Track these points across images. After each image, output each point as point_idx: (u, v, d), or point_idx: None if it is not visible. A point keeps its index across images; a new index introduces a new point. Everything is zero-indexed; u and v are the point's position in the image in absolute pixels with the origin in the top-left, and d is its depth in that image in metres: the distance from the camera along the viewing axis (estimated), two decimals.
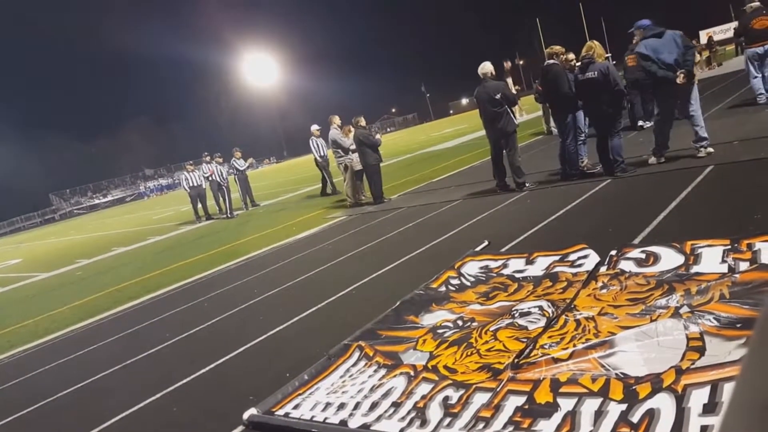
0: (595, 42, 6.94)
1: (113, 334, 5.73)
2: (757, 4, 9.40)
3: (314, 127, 13.38)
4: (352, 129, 10.14)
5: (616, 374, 2.43)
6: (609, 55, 9.94)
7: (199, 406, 3.48)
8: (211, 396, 3.58)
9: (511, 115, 7.70)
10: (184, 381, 3.91)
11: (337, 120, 10.57)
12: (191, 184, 14.92)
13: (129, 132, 76.56)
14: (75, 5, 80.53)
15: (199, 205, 15.32)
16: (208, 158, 15.08)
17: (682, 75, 6.41)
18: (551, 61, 7.38)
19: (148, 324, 5.82)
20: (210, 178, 14.76)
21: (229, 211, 14.63)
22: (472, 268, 4.55)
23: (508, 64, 16.39)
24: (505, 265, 4.42)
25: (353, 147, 10.04)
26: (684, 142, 6.98)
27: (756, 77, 9.54)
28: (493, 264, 4.53)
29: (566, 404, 2.32)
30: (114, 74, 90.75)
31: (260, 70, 78.38)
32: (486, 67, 7.84)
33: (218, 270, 7.85)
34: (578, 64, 7.20)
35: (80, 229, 28.97)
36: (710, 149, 6.63)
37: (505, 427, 2.29)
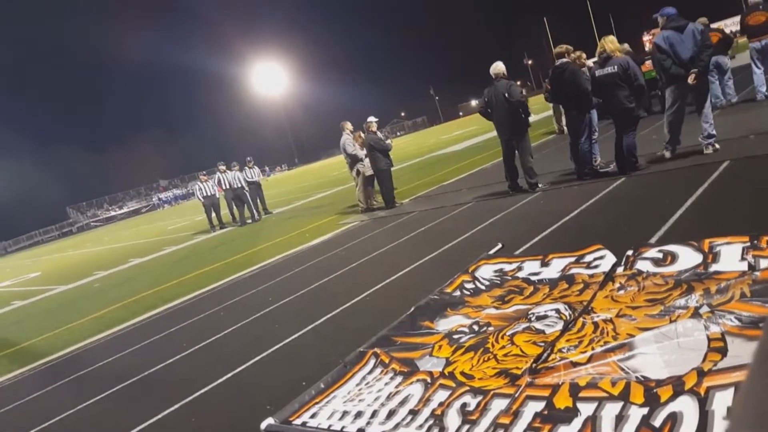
0: (609, 38, 6.84)
1: (131, 345, 5.78)
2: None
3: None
4: (362, 135, 10.16)
5: (637, 377, 2.39)
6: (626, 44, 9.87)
7: (217, 416, 3.49)
8: (229, 406, 3.59)
9: (523, 115, 7.65)
10: (202, 391, 3.92)
11: (349, 126, 10.55)
12: (205, 194, 15.05)
13: (142, 144, 77.58)
14: (87, 21, 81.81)
15: (214, 215, 15.45)
16: (223, 167, 15.11)
17: (693, 75, 6.33)
18: (564, 60, 7.32)
19: (166, 334, 5.86)
20: (226, 188, 14.89)
21: (251, 217, 15.03)
22: (486, 271, 4.52)
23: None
24: (519, 268, 4.38)
25: (357, 153, 10.04)
26: (691, 139, 6.91)
27: (756, 73, 9.47)
28: (507, 267, 4.49)
29: (586, 409, 2.29)
30: (127, 87, 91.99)
31: (270, 78, 78.95)
32: (498, 67, 7.80)
33: (233, 279, 7.88)
34: (594, 60, 7.14)
35: (97, 241, 29.33)
36: (717, 146, 6.58)
37: None
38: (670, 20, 6.63)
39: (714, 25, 10.56)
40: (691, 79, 6.36)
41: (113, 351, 5.75)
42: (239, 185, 14.74)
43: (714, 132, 6.61)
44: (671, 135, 6.88)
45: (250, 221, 14.95)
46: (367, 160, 10.02)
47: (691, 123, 6.99)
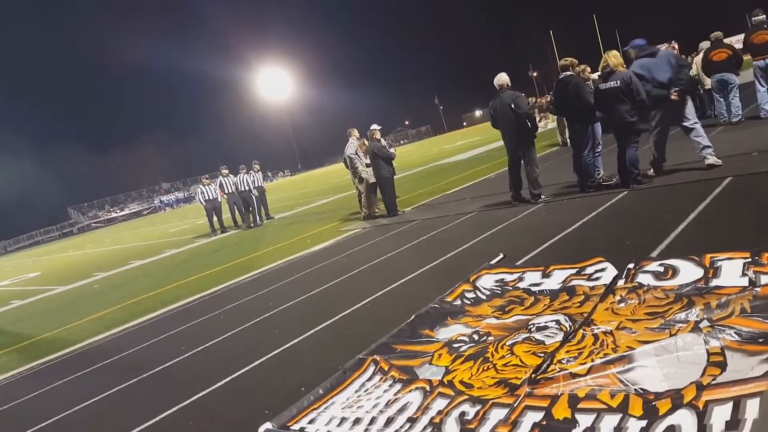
0: (612, 52, 6.93)
1: (130, 347, 5.78)
2: (762, 17, 9.39)
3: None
4: (365, 142, 10.19)
5: (636, 390, 2.40)
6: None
7: (215, 420, 3.49)
8: (227, 410, 3.59)
9: (529, 126, 7.67)
10: (201, 394, 3.92)
11: (356, 132, 10.56)
12: (207, 197, 15.10)
13: (145, 146, 77.69)
14: (92, 22, 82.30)
15: (215, 218, 15.48)
16: (225, 171, 15.23)
17: (675, 93, 6.58)
18: (568, 73, 7.36)
19: (165, 337, 5.86)
20: (229, 191, 14.99)
21: (254, 221, 15.13)
22: (487, 281, 4.53)
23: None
24: (521, 279, 4.39)
25: (354, 158, 10.07)
26: (692, 155, 6.96)
27: (760, 91, 9.52)
28: (508, 277, 4.50)
29: (585, 420, 2.29)
30: (130, 89, 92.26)
31: (274, 83, 79.32)
32: (502, 78, 7.85)
33: (234, 283, 7.89)
34: (598, 74, 7.21)
35: (98, 243, 29.35)
36: (717, 158, 6.67)
37: None
38: (642, 50, 7.02)
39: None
40: (674, 96, 6.58)
41: (112, 352, 5.75)
42: (246, 188, 14.84)
43: (708, 143, 6.76)
44: (658, 154, 7.06)
45: (252, 225, 15.03)
46: (370, 168, 10.05)
47: (683, 140, 7.07)
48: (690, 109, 6.86)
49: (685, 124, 6.81)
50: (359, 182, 10.43)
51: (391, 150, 9.85)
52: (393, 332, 3.92)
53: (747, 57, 10.03)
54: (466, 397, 2.74)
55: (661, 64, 6.72)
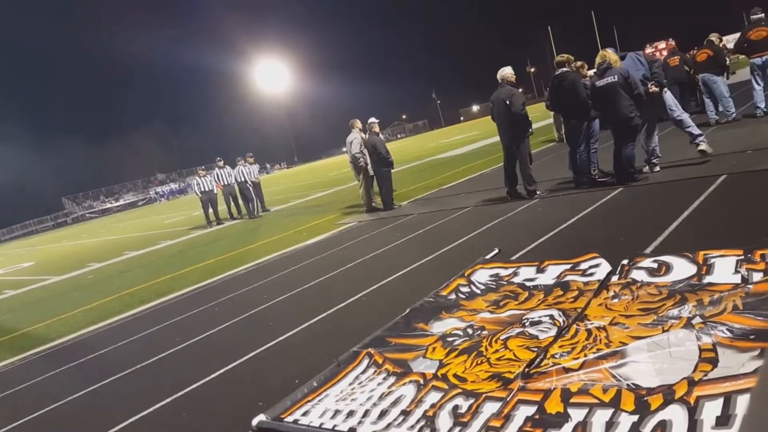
0: (609, 50, 6.98)
1: (124, 338, 5.77)
2: (761, 15, 9.42)
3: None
4: (363, 136, 10.16)
5: (628, 385, 2.41)
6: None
7: (208, 412, 3.49)
8: (220, 401, 3.60)
9: (525, 122, 7.66)
10: (194, 386, 3.93)
11: (359, 124, 10.52)
12: (202, 189, 15.06)
13: (141, 137, 77.46)
14: (90, 14, 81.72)
15: (211, 210, 15.45)
16: (221, 163, 15.24)
17: (652, 85, 6.84)
18: (564, 69, 7.35)
19: (159, 328, 5.85)
20: (225, 183, 15.01)
21: (249, 213, 15.11)
22: (482, 276, 4.54)
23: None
24: (515, 274, 4.40)
25: (360, 157, 10.05)
26: (687, 153, 6.99)
27: (756, 89, 9.55)
28: (503, 272, 4.51)
29: (577, 415, 2.30)
30: (127, 80, 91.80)
31: (272, 76, 79.00)
32: (503, 72, 7.82)
33: (229, 275, 7.88)
34: (594, 71, 7.22)
35: (92, 233, 29.23)
36: (708, 146, 6.85)
37: None
38: None
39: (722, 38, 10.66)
40: (652, 89, 6.81)
41: (105, 343, 5.74)
42: (243, 179, 14.85)
43: (699, 132, 6.96)
44: (650, 150, 7.17)
45: (247, 217, 15.03)
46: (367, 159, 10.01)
47: (679, 138, 7.10)
48: (672, 101, 7.07)
49: (672, 116, 6.99)
50: (358, 174, 10.37)
51: (389, 158, 9.78)
52: (387, 325, 3.93)
53: (735, 56, 10.08)
54: (460, 390, 2.76)
55: (632, 64, 6.97)
